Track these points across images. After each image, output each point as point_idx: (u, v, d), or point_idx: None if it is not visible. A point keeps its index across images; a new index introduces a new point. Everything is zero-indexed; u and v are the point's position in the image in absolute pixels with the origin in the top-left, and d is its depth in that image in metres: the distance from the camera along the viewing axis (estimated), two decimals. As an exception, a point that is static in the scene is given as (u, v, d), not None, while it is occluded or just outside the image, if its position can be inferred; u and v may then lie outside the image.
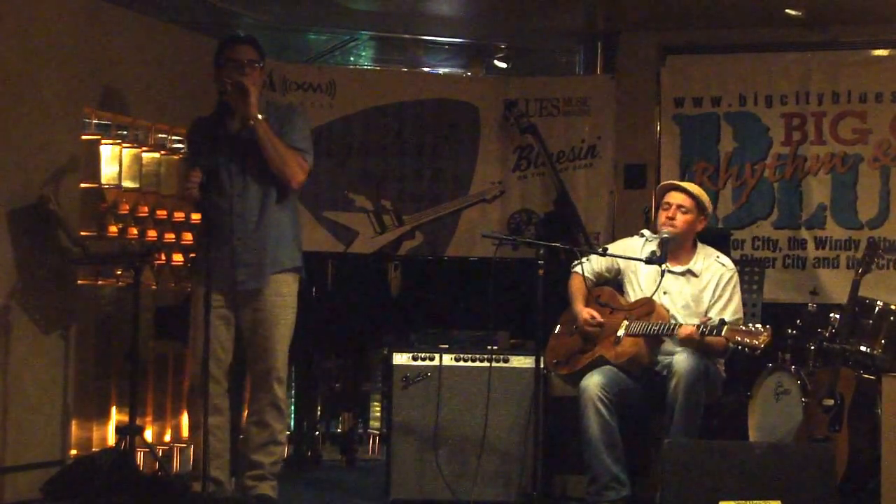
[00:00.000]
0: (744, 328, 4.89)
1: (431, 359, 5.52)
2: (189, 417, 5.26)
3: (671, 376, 5.04)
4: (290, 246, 5.03)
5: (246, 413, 5.22)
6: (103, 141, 6.04)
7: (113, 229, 6.03)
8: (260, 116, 4.84)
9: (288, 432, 6.47)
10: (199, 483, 4.76)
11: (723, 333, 4.88)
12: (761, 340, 4.79)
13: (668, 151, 7.30)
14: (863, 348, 5.61)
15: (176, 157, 6.45)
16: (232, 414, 5.16)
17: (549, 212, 7.28)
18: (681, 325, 5.03)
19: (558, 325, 5.52)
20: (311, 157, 5.02)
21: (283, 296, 4.99)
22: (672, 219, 5.28)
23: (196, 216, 6.20)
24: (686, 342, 5.01)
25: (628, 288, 5.40)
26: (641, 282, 5.34)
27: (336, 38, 7.86)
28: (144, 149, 6.25)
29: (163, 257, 6.35)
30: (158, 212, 6.31)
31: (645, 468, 5.40)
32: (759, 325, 4.86)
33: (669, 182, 5.49)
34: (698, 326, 4.96)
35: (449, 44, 7.99)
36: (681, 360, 5.05)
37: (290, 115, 5.07)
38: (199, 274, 5.00)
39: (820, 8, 6.71)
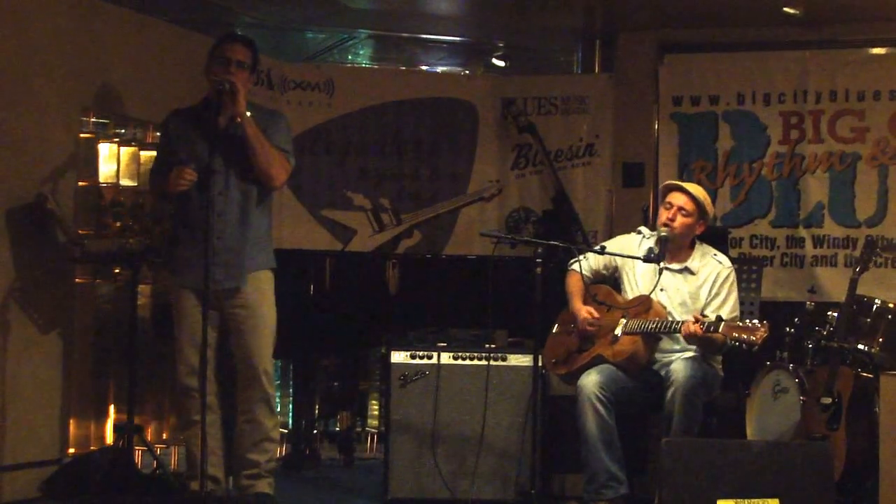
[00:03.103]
0: (741, 324, 4.88)
1: (429, 357, 5.52)
2: (178, 416, 5.26)
3: (669, 384, 5.03)
4: (266, 248, 5.09)
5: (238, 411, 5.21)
6: (101, 139, 6.04)
7: (111, 228, 6.02)
8: (248, 114, 4.85)
9: (284, 430, 6.48)
10: (196, 482, 4.76)
11: (720, 330, 4.88)
12: (759, 336, 4.79)
13: (667, 150, 7.31)
14: (861, 346, 5.61)
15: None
16: (224, 412, 5.16)
17: (547, 210, 7.29)
18: (683, 322, 5.02)
19: (556, 325, 5.52)
20: (293, 159, 5.08)
21: (264, 292, 5.02)
22: (672, 220, 5.27)
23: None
24: (690, 339, 5.01)
25: (625, 285, 5.40)
26: (639, 279, 5.34)
27: (334, 36, 7.86)
28: (142, 147, 6.25)
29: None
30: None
31: (643, 466, 5.40)
32: (756, 321, 4.86)
33: (675, 182, 5.47)
34: (699, 322, 4.95)
35: (447, 42, 8.00)
36: (678, 368, 5.04)
37: (274, 119, 5.11)
38: (177, 273, 5.01)
39: (818, 6, 6.71)
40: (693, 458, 4.51)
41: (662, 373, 5.16)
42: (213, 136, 4.82)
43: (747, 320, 4.94)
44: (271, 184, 4.97)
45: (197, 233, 4.80)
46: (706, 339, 5.01)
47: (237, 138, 4.87)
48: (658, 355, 5.24)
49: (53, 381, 5.59)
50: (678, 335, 5.08)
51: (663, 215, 5.31)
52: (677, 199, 5.31)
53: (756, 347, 4.85)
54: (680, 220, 5.27)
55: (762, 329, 4.79)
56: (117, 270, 6.05)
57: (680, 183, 5.44)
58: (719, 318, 4.92)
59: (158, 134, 6.29)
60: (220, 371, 5.11)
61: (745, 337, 4.81)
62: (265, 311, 5.03)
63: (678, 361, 5.10)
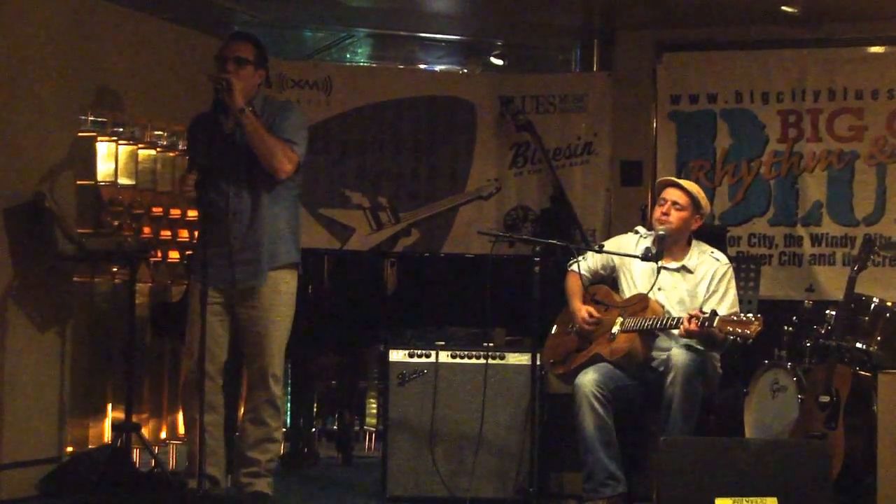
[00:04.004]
0: (735, 318, 4.89)
1: (428, 356, 5.52)
2: (184, 414, 5.26)
3: (668, 370, 5.03)
4: (287, 241, 5.02)
5: (242, 410, 5.21)
6: (99, 138, 6.04)
7: (109, 226, 6.03)
8: (248, 109, 4.83)
9: (284, 429, 6.48)
10: (194, 480, 4.76)
11: (714, 324, 4.88)
12: (752, 330, 4.79)
13: (665, 148, 7.30)
14: (859, 345, 5.61)
15: (172, 154, 6.46)
16: (227, 411, 5.16)
17: (545, 209, 7.29)
18: (679, 318, 5.02)
19: (555, 326, 5.52)
20: (302, 149, 4.99)
21: (281, 293, 4.99)
22: (666, 215, 5.28)
23: (193, 213, 6.23)
24: (689, 335, 5.00)
25: (623, 285, 5.40)
26: (636, 278, 5.34)
27: (332, 35, 7.85)
28: (140, 146, 6.26)
29: (158, 254, 6.35)
30: (154, 209, 6.32)
31: (641, 465, 5.40)
32: (749, 315, 4.86)
33: (667, 178, 5.49)
34: (697, 319, 4.94)
35: (445, 41, 7.99)
36: (678, 353, 5.04)
37: (284, 110, 5.07)
38: (196, 271, 5.01)
39: (816, 5, 6.71)
40: (691, 456, 4.52)
41: (661, 369, 5.16)
42: (216, 138, 4.83)
43: (742, 314, 4.93)
44: (276, 175, 4.91)
45: (213, 233, 4.81)
46: (705, 335, 5.02)
47: (243, 136, 4.86)
48: (655, 353, 5.24)
49: (52, 379, 5.59)
50: (675, 332, 5.09)
51: (657, 211, 5.32)
52: (670, 194, 5.32)
53: (750, 341, 4.86)
54: (675, 215, 5.28)
55: (756, 323, 4.80)
56: (115, 269, 6.05)
57: (672, 178, 5.46)
58: (714, 313, 4.92)
59: (157, 133, 6.34)
60: (226, 370, 5.09)
61: (740, 331, 4.83)
62: (280, 315, 4.99)
63: (677, 348, 5.09)
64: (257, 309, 4.96)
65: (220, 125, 4.89)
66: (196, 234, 6.02)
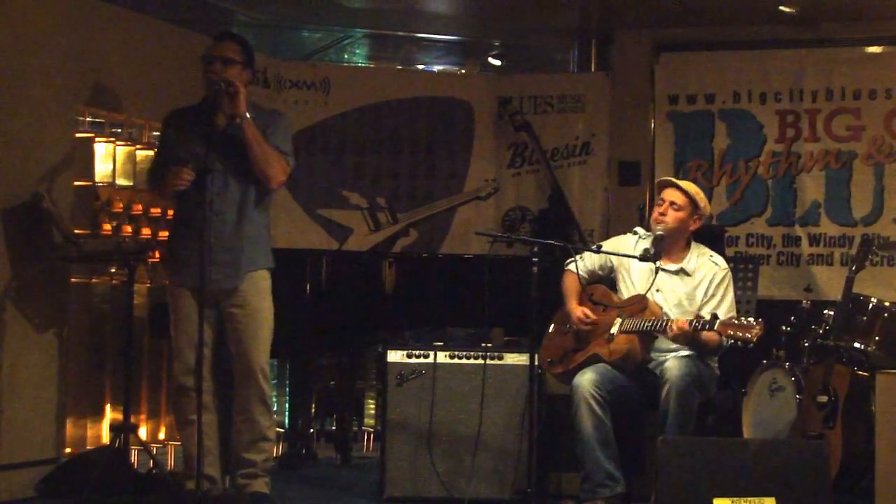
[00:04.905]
0: (736, 322, 4.89)
1: (426, 356, 5.52)
2: (175, 416, 5.27)
3: (663, 383, 5.03)
4: (265, 247, 5.06)
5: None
6: (97, 139, 6.03)
7: (107, 227, 6.02)
8: (248, 115, 4.84)
9: (281, 429, 6.49)
10: (192, 481, 4.76)
11: (715, 328, 4.88)
12: (754, 334, 4.80)
13: (663, 148, 7.31)
14: (857, 345, 5.62)
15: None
16: (221, 411, 5.15)
17: (543, 209, 7.30)
18: (673, 319, 5.03)
19: (552, 325, 5.52)
20: (293, 160, 5.04)
21: (261, 291, 5.01)
22: (664, 215, 5.27)
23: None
24: (678, 337, 5.01)
25: (621, 286, 5.40)
26: (635, 279, 5.34)
27: (331, 35, 7.86)
28: (138, 147, 6.25)
29: (157, 255, 6.34)
30: (152, 209, 6.31)
31: (639, 465, 5.40)
32: (751, 319, 4.86)
33: (666, 178, 5.49)
34: (690, 322, 4.96)
35: (443, 41, 8.00)
36: (672, 366, 5.03)
37: (274, 119, 5.08)
38: (175, 272, 5.01)
39: (814, 5, 6.72)
40: (689, 456, 4.52)
41: (658, 371, 5.16)
42: (209, 136, 4.82)
43: (742, 318, 4.94)
44: (269, 184, 4.96)
45: (194, 232, 4.79)
46: (698, 341, 5.02)
47: (236, 138, 4.86)
48: (654, 354, 5.24)
49: (49, 380, 5.58)
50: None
51: (655, 212, 5.32)
52: (669, 194, 5.31)
53: (751, 345, 4.86)
54: (672, 215, 5.27)
55: (757, 327, 4.80)
56: (113, 270, 6.05)
57: (671, 179, 5.46)
58: (714, 317, 4.92)
59: (155, 133, 6.32)
60: (217, 370, 5.10)
61: (741, 335, 4.82)
62: (263, 311, 5.02)
63: (672, 360, 5.09)
64: (239, 308, 4.97)
65: (210, 124, 4.88)
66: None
